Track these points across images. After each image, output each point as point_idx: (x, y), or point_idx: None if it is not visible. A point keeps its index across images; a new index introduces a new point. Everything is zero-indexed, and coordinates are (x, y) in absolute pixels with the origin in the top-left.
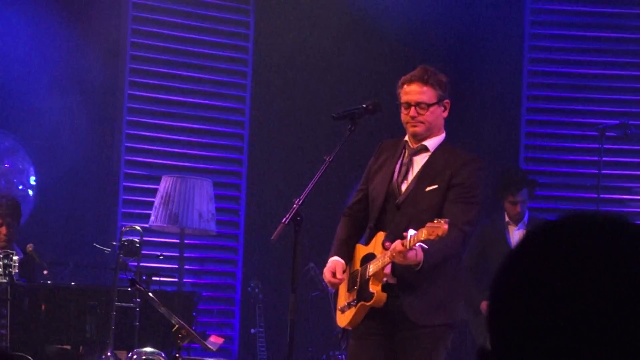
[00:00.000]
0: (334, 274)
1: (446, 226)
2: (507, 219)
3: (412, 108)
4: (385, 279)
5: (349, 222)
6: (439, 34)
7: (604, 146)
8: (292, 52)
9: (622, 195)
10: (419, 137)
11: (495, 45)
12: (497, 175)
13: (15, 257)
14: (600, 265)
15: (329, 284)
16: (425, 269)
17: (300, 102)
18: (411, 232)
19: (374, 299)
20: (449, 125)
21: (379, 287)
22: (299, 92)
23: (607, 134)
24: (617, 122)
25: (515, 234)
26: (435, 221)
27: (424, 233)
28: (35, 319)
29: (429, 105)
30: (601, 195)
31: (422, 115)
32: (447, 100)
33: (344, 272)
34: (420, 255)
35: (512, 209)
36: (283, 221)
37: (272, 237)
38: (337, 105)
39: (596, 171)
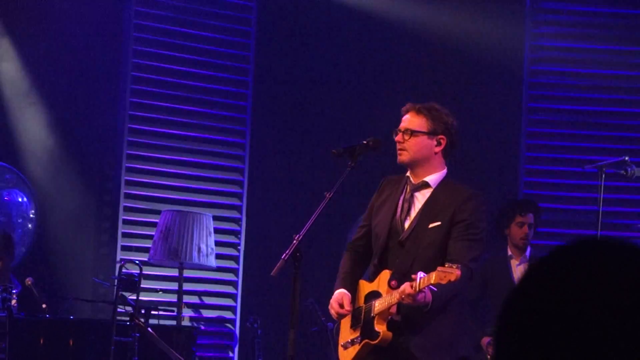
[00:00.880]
0: (341, 305)
1: (459, 272)
2: (509, 252)
3: (400, 134)
4: (391, 317)
5: (352, 257)
6: (442, 70)
7: (604, 183)
8: (293, 87)
9: (622, 232)
10: (408, 167)
11: (495, 83)
12: (497, 211)
13: (14, 291)
14: (608, 293)
15: (335, 315)
16: (433, 309)
17: (300, 137)
18: (420, 274)
19: (380, 338)
20: (449, 161)
21: (385, 326)
22: (300, 127)
23: (607, 171)
24: (617, 159)
25: (517, 269)
26: (447, 265)
27: (433, 277)
28: (34, 352)
29: (413, 132)
30: (601, 233)
31: (407, 141)
32: (442, 136)
33: (350, 304)
34: (429, 297)
35: (518, 232)
36: (283, 257)
37: (272, 273)
38: (338, 140)
39: (596, 208)
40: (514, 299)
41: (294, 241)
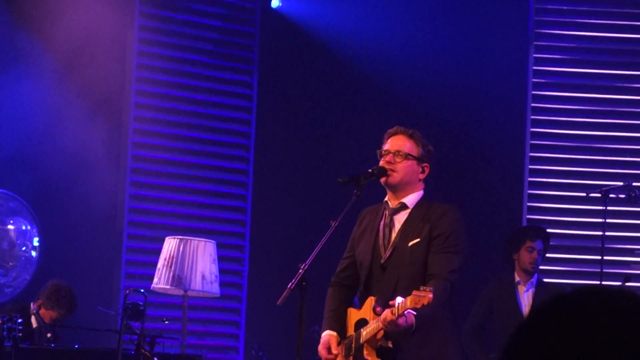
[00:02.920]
0: (329, 350)
1: (431, 295)
2: (517, 278)
3: (390, 155)
4: (379, 344)
5: (336, 291)
6: (443, 97)
7: (608, 208)
8: (296, 113)
9: (626, 256)
10: (391, 189)
11: (498, 107)
12: (503, 235)
13: (19, 320)
14: (611, 342)
15: None
16: (418, 329)
17: (304, 164)
18: (398, 299)
19: None
20: (452, 188)
21: (373, 354)
22: (303, 155)
23: (610, 195)
24: (621, 183)
25: (525, 296)
26: (420, 289)
27: (408, 302)
28: None
29: (407, 155)
30: (605, 257)
31: (399, 163)
32: (426, 165)
33: (339, 344)
34: (411, 319)
35: (528, 257)
36: (289, 286)
37: (278, 302)
38: (343, 166)
39: (600, 232)
40: (517, 340)
41: (300, 270)
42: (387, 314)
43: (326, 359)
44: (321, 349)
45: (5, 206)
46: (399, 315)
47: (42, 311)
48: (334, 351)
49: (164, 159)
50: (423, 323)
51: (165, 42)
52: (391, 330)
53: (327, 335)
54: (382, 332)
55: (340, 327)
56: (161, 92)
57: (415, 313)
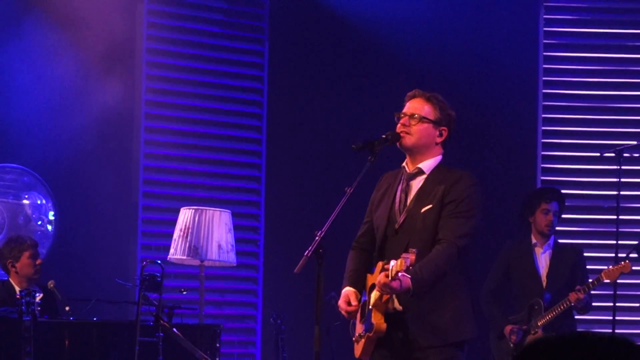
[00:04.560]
0: (348, 303)
1: (413, 257)
2: (534, 240)
3: (406, 117)
4: (392, 307)
5: (356, 254)
6: (455, 61)
7: (622, 167)
8: (308, 81)
9: None
10: (407, 152)
11: (510, 69)
12: (517, 197)
13: (38, 295)
14: None
15: (345, 314)
16: (420, 292)
17: (318, 131)
18: (392, 262)
19: (374, 330)
20: (465, 151)
21: (380, 318)
22: (317, 121)
23: (625, 154)
24: (635, 142)
25: (542, 258)
26: (409, 251)
27: (398, 264)
28: (59, 355)
29: (421, 118)
30: (620, 217)
31: (413, 126)
32: (444, 128)
33: (358, 299)
34: (407, 282)
35: (544, 219)
36: (306, 254)
37: (295, 270)
38: (357, 134)
39: (615, 192)
40: None
41: (317, 237)
42: (381, 277)
43: (346, 311)
44: (341, 302)
45: (20, 181)
46: (393, 279)
47: (20, 268)
48: (354, 303)
49: (177, 129)
50: (425, 286)
51: (175, 12)
52: (387, 293)
53: (346, 290)
54: (387, 296)
55: (359, 287)
56: (172, 64)
57: (409, 276)
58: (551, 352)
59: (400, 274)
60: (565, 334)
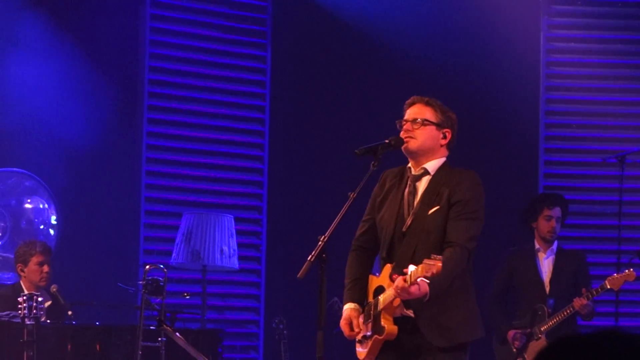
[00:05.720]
0: (350, 326)
1: (440, 264)
2: (537, 245)
3: (408, 124)
4: (400, 313)
5: (357, 257)
6: (457, 66)
7: (625, 173)
8: (311, 86)
9: None
10: (411, 155)
11: (511, 75)
12: (519, 203)
13: (40, 299)
14: None
15: (347, 336)
16: (434, 296)
17: (320, 135)
18: (411, 267)
19: (385, 333)
20: (467, 156)
21: (390, 321)
22: (319, 125)
23: (627, 160)
24: (637, 148)
25: (545, 263)
26: (432, 257)
27: (420, 270)
28: (62, 359)
29: (424, 121)
30: (622, 222)
31: (416, 130)
32: (448, 130)
33: (361, 312)
34: (424, 287)
35: (546, 225)
36: (309, 258)
37: (299, 275)
38: (359, 138)
39: (617, 198)
40: None
41: (320, 242)
42: (399, 281)
43: (348, 335)
44: (343, 325)
45: (22, 185)
46: (412, 283)
47: (29, 272)
48: (356, 329)
49: (179, 134)
50: (440, 291)
51: (178, 17)
52: (404, 297)
53: (349, 310)
54: (398, 300)
55: (362, 297)
56: (174, 69)
57: (428, 281)
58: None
59: (419, 279)
60: (595, 331)
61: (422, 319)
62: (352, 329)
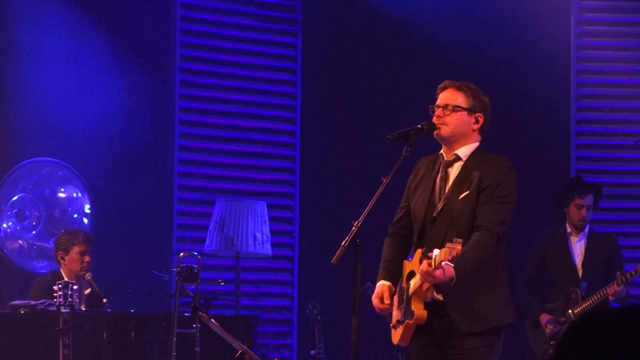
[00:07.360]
0: (381, 299)
1: (459, 247)
2: (569, 229)
3: (440, 109)
4: (430, 297)
5: (393, 241)
6: (488, 51)
7: None
8: (342, 72)
9: None
10: (443, 141)
11: (543, 59)
12: (551, 187)
13: (76, 287)
14: None
15: (378, 310)
16: (461, 280)
17: (352, 121)
18: (435, 251)
19: (414, 317)
20: (499, 141)
21: (420, 305)
22: (352, 111)
23: None
24: None
25: (577, 246)
26: (453, 240)
27: (442, 253)
28: (98, 347)
29: (455, 107)
30: None
31: (447, 116)
32: (480, 114)
33: (394, 293)
34: (450, 271)
35: (577, 214)
36: (343, 244)
37: (333, 261)
38: (392, 124)
39: None
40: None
41: (353, 227)
42: (424, 265)
43: (379, 308)
44: (374, 298)
45: (55, 175)
46: (436, 267)
47: (69, 261)
48: (386, 301)
49: (211, 122)
50: (467, 275)
51: (208, 6)
52: (429, 282)
53: (381, 285)
54: (427, 284)
55: (395, 277)
56: (205, 57)
57: (453, 265)
58: (612, 323)
59: (444, 262)
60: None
61: (451, 302)
62: (382, 303)
